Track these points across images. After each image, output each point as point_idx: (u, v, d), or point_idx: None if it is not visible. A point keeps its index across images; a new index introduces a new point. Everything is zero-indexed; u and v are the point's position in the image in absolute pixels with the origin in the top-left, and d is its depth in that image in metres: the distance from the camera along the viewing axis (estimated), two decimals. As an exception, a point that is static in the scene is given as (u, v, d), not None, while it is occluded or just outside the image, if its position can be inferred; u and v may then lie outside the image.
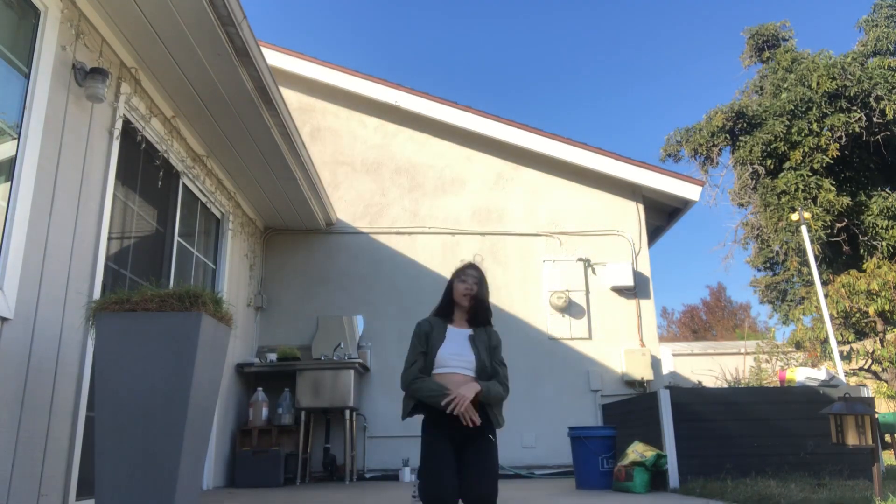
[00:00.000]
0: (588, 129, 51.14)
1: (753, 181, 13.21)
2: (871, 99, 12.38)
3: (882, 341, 10.24)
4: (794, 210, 11.10)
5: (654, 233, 8.42)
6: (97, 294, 3.68)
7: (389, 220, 7.44)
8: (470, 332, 2.96)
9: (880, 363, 10.20)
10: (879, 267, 10.47)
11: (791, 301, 15.36)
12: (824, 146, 12.33)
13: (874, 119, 12.41)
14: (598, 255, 7.38)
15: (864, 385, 5.51)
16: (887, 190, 12.94)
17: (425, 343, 2.90)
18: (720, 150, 13.82)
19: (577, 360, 7.06)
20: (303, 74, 7.62)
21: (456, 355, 2.85)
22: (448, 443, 2.71)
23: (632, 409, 5.41)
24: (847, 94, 12.43)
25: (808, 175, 12.25)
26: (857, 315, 10.60)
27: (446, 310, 3.02)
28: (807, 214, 8.24)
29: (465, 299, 2.96)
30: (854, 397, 3.92)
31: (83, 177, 3.62)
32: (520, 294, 7.26)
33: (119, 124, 3.97)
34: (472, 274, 3.00)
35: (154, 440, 2.61)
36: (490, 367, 2.85)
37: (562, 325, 7.15)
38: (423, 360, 2.87)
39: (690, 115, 37.29)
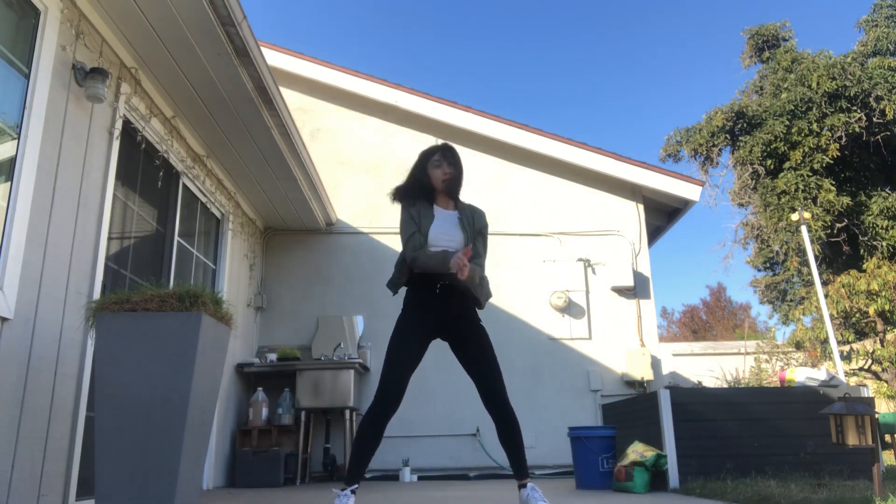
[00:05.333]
0: (588, 128, 51.16)
1: (753, 181, 13.20)
2: (871, 99, 12.37)
3: (882, 341, 10.23)
4: (794, 210, 11.10)
5: (654, 233, 8.42)
6: (97, 294, 3.68)
7: (389, 220, 7.43)
8: (457, 213, 3.04)
9: (880, 363, 10.20)
10: (879, 267, 10.46)
11: (791, 301, 15.35)
12: (824, 146, 12.32)
13: (874, 119, 12.39)
14: (598, 255, 7.38)
15: (864, 385, 5.50)
16: (887, 190, 12.93)
17: (416, 222, 2.95)
18: (720, 150, 13.81)
19: (577, 360, 7.05)
20: (303, 74, 7.62)
21: (445, 234, 2.96)
22: (419, 334, 2.88)
23: (632, 409, 5.41)
24: (847, 94, 12.42)
25: (808, 175, 12.24)
26: (857, 315, 10.59)
27: (424, 191, 3.03)
28: (807, 214, 8.24)
29: (444, 185, 3.02)
30: (854, 397, 3.91)
31: (83, 177, 3.62)
32: (520, 294, 7.26)
33: (119, 124, 3.97)
34: (443, 157, 3.03)
35: (154, 440, 2.62)
36: (475, 249, 2.99)
37: (562, 325, 7.15)
38: (419, 237, 2.92)
39: (690, 115, 37.23)
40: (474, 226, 3.03)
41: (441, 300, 2.93)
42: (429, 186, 3.04)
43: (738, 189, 13.75)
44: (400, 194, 3.08)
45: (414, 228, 2.94)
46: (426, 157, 3.07)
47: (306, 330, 7.01)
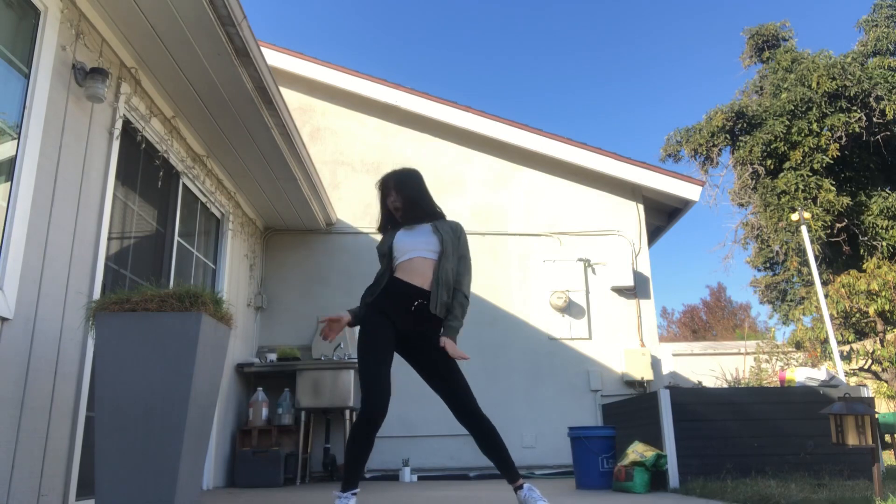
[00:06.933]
0: (588, 129, 51.14)
1: (753, 181, 13.20)
2: (871, 99, 12.36)
3: (882, 341, 10.22)
4: (794, 210, 11.10)
5: (654, 233, 8.42)
6: (97, 294, 3.68)
7: (389, 220, 7.43)
8: (429, 225, 3.07)
9: (880, 363, 10.19)
10: (879, 267, 10.45)
11: (791, 301, 15.35)
12: (824, 146, 12.32)
13: (874, 119, 12.39)
14: (598, 255, 7.38)
15: (864, 385, 5.50)
16: (887, 190, 12.93)
17: (387, 252, 3.02)
18: (720, 150, 13.81)
19: (577, 360, 7.05)
20: (303, 74, 7.62)
21: (413, 240, 2.99)
22: (386, 333, 2.85)
23: (632, 409, 5.41)
24: (847, 94, 12.42)
25: (808, 175, 12.24)
26: (857, 315, 10.58)
27: (392, 220, 3.15)
28: (807, 214, 8.24)
29: (399, 213, 3.09)
30: (854, 397, 3.91)
31: (83, 177, 3.62)
32: (520, 294, 7.26)
33: (119, 124, 3.97)
34: (388, 187, 3.11)
35: (154, 440, 2.62)
36: (455, 253, 2.98)
37: (562, 325, 7.15)
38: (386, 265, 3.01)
39: (690, 115, 37.26)
40: (457, 240, 3.05)
41: (412, 318, 2.92)
42: (393, 215, 3.15)
43: (738, 189, 13.75)
44: (381, 229, 3.24)
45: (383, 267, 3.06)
46: (380, 190, 3.18)
47: (306, 330, 7.01)
